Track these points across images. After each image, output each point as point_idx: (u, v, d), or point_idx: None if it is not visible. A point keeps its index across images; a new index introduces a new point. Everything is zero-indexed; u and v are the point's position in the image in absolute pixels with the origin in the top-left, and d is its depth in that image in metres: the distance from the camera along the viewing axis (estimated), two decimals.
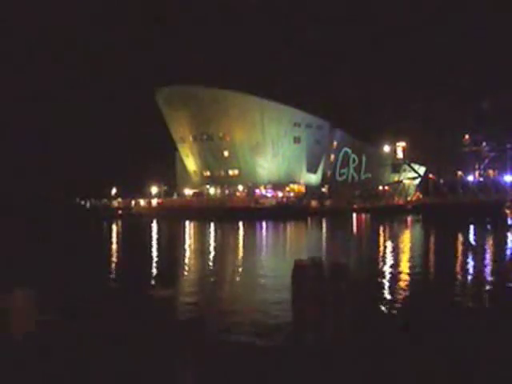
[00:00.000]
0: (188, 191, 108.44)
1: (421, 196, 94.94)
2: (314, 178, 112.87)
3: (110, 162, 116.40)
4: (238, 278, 18.51)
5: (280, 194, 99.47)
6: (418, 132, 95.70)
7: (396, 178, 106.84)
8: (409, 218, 69.90)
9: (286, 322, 11.59)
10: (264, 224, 59.27)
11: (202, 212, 79.61)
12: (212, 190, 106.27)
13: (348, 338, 10.59)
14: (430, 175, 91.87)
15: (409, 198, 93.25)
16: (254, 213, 77.37)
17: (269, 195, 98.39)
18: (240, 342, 9.93)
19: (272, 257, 26.58)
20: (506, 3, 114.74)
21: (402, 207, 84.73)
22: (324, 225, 58.93)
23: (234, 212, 76.73)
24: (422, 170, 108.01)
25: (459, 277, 17.92)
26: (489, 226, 46.76)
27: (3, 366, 8.72)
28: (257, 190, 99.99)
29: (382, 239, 37.00)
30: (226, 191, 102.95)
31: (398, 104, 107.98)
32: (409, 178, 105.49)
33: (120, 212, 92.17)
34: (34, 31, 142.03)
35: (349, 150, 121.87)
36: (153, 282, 17.21)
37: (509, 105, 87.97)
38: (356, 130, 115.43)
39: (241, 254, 27.43)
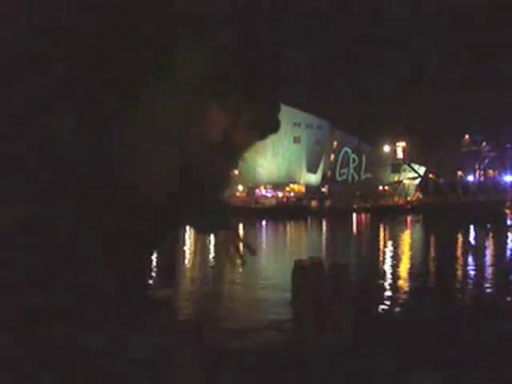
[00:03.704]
0: None
1: (421, 196, 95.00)
2: (314, 178, 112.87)
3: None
4: (238, 278, 18.48)
5: (280, 194, 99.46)
6: (418, 132, 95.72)
7: (396, 178, 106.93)
8: (409, 218, 69.92)
9: (285, 320, 11.56)
10: (264, 224, 59.23)
11: None
12: None
13: (348, 338, 10.56)
14: (430, 175, 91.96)
15: (409, 198, 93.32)
16: (253, 213, 77.38)
17: (269, 195, 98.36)
18: (240, 342, 9.91)
19: (272, 256, 26.55)
20: (506, 3, 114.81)
21: (402, 207, 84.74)
22: (324, 225, 58.91)
23: (234, 212, 76.70)
24: (422, 170, 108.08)
25: (459, 277, 17.91)
26: (489, 226, 46.75)
27: None
28: (257, 190, 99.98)
29: (382, 239, 36.97)
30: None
31: (398, 104, 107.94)
32: (409, 178, 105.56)
33: None
34: (34, 29, 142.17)
35: (349, 150, 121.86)
36: (152, 282, 17.19)
37: (509, 104, 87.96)
38: (356, 130, 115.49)
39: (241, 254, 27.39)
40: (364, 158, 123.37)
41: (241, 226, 54.83)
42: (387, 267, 20.04)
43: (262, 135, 1.56)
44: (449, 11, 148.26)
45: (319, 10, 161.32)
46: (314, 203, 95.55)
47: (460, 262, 22.51)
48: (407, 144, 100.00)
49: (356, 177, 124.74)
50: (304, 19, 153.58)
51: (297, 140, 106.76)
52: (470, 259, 23.10)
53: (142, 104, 1.05)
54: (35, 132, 1.09)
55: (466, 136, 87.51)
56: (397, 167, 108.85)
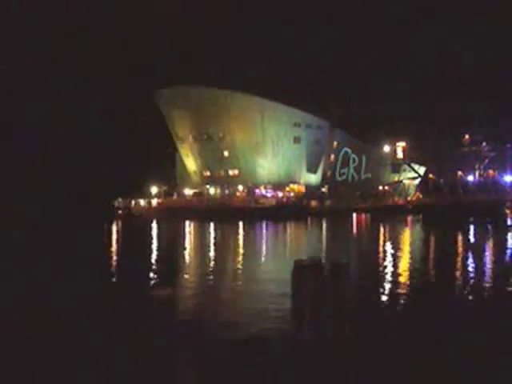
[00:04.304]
0: (188, 191, 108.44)
1: (421, 196, 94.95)
2: (314, 178, 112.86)
3: (110, 162, 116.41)
4: (238, 278, 18.52)
5: (280, 194, 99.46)
6: (417, 132, 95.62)
7: (396, 178, 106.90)
8: (409, 218, 70.01)
9: (285, 322, 11.59)
10: (264, 224, 59.27)
11: (202, 212, 79.62)
12: (212, 190, 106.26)
13: (348, 337, 10.60)
14: (430, 175, 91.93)
15: (409, 198, 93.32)
16: (254, 213, 77.35)
17: (269, 195, 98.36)
18: (239, 342, 9.94)
19: (272, 257, 26.58)
20: (506, 2, 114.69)
21: (402, 207, 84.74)
22: (324, 225, 58.94)
23: (234, 212, 76.73)
24: (422, 170, 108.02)
25: (459, 277, 17.93)
26: (489, 226, 46.80)
27: None
28: (257, 190, 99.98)
29: (382, 239, 37.00)
30: (226, 191, 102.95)
31: (399, 104, 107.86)
32: (409, 178, 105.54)
33: (120, 212, 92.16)
34: (33, 30, 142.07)
35: (349, 150, 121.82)
36: (152, 282, 17.23)
37: (509, 104, 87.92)
38: (356, 129, 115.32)
39: (241, 254, 27.44)
40: (364, 158, 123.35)
41: (241, 226, 54.94)
42: (387, 267, 20.07)
43: None
44: (450, 9, 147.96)
45: (319, 8, 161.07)
46: (313, 203, 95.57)
47: (460, 262, 22.52)
48: (407, 144, 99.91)
49: (356, 177, 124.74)
50: (304, 18, 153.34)
51: (297, 140, 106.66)
52: (470, 259, 23.10)
53: None
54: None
55: (466, 136, 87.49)
56: (397, 167, 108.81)
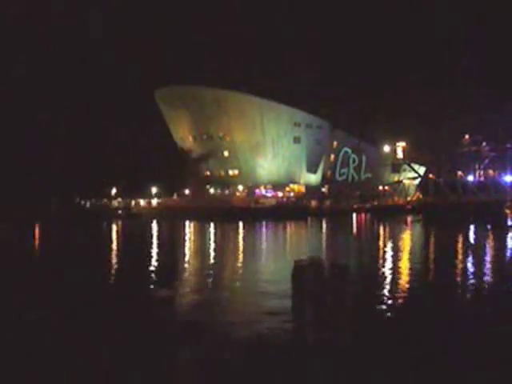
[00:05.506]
0: (188, 191, 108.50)
1: (421, 196, 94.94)
2: (314, 178, 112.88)
3: (110, 162, 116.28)
4: (237, 279, 18.50)
5: (280, 194, 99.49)
6: (418, 132, 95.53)
7: (396, 178, 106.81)
8: (409, 218, 69.96)
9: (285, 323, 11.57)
10: (264, 224, 59.27)
11: (202, 212, 79.60)
12: (212, 190, 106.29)
13: (347, 337, 10.59)
14: (430, 175, 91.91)
15: (409, 198, 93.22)
16: (253, 213, 77.36)
17: (269, 195, 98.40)
18: (240, 342, 9.94)
19: (272, 257, 26.58)
20: (506, 2, 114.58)
21: (402, 207, 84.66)
22: (324, 225, 58.93)
23: (234, 212, 76.73)
24: (422, 170, 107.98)
25: (459, 277, 17.92)
26: (489, 226, 46.78)
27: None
28: (257, 190, 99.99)
29: (382, 239, 36.99)
30: (226, 191, 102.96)
31: (399, 104, 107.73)
32: (409, 178, 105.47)
33: (120, 212, 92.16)
34: (33, 30, 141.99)
35: (349, 150, 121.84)
36: (152, 283, 17.22)
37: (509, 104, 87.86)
38: (356, 130, 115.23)
39: (241, 254, 27.43)
40: (364, 158, 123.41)
41: (241, 226, 54.95)
42: (387, 267, 20.05)
43: None
44: (449, 10, 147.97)
45: (319, 9, 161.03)
46: (314, 203, 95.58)
47: (460, 262, 22.49)
48: (407, 144, 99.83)
49: (356, 177, 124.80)
50: (304, 18, 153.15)
51: (297, 140, 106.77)
52: (470, 259, 23.09)
53: None
54: None
55: (466, 136, 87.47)
56: (397, 167, 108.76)
